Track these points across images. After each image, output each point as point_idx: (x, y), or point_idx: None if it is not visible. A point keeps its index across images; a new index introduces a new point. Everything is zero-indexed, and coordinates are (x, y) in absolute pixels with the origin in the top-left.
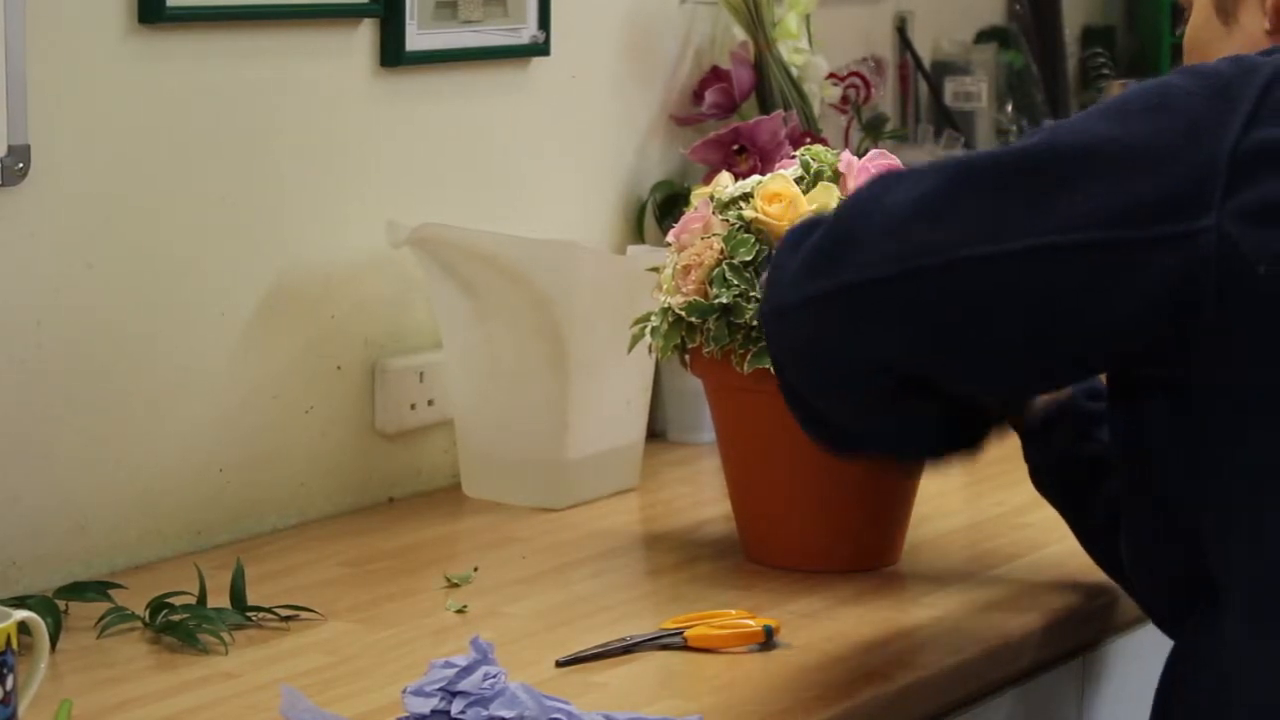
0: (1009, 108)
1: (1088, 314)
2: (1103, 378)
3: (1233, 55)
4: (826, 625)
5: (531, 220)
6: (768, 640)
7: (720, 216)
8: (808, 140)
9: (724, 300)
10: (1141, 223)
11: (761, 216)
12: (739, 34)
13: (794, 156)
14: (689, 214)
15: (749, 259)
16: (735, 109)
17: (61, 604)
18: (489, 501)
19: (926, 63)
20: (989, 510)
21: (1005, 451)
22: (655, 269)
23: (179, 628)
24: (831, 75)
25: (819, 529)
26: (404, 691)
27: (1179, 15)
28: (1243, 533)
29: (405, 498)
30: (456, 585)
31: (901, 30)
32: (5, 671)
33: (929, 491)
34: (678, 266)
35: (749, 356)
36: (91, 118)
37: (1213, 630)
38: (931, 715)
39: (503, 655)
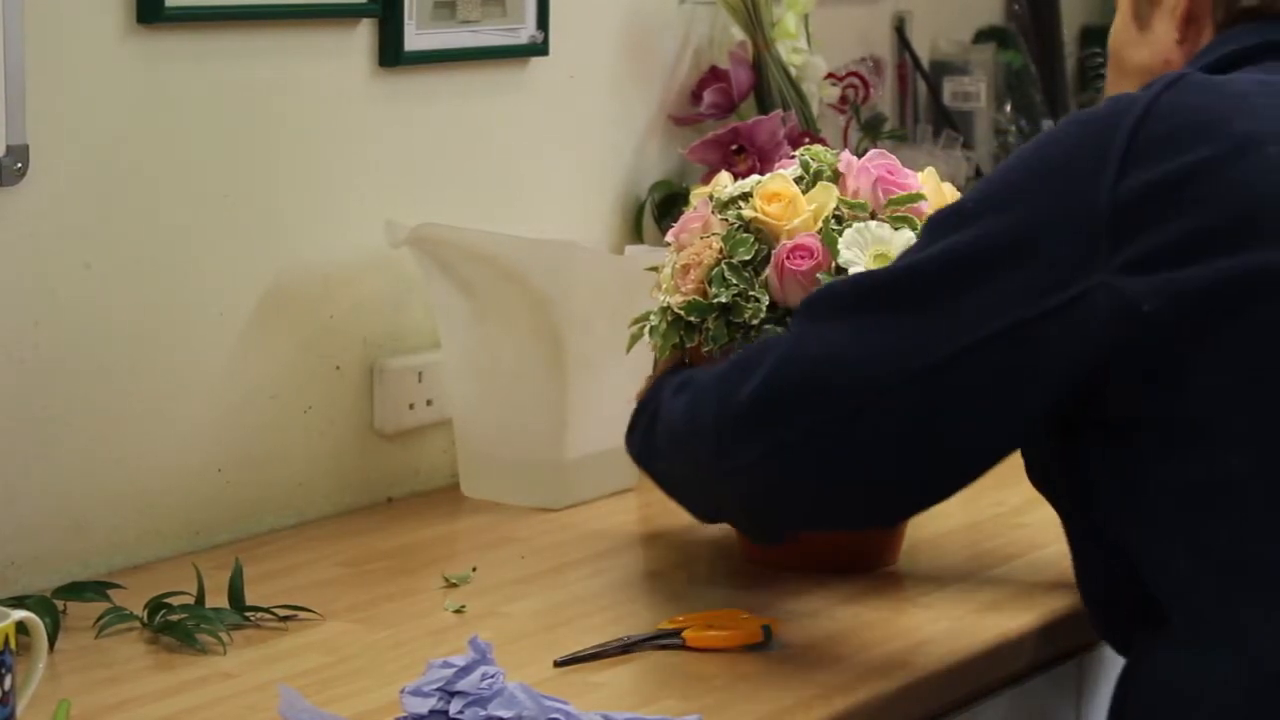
0: (1007, 107)
1: (1023, 392)
2: None
3: (1115, 95)
4: (825, 625)
5: (530, 220)
6: (766, 640)
7: (719, 216)
8: (806, 140)
9: (723, 300)
10: (1039, 298)
11: (761, 216)
12: (737, 34)
13: (793, 156)
14: (688, 213)
15: (748, 258)
16: (734, 109)
17: (60, 604)
18: (487, 501)
19: (925, 63)
20: (987, 510)
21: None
22: (654, 269)
23: (177, 628)
24: (830, 75)
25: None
26: (402, 691)
27: None
28: (1177, 554)
29: (404, 498)
30: (455, 585)
31: (900, 30)
32: (3, 671)
33: None
34: (677, 266)
35: None
36: (90, 118)
37: (1157, 649)
38: (929, 715)
39: (501, 655)
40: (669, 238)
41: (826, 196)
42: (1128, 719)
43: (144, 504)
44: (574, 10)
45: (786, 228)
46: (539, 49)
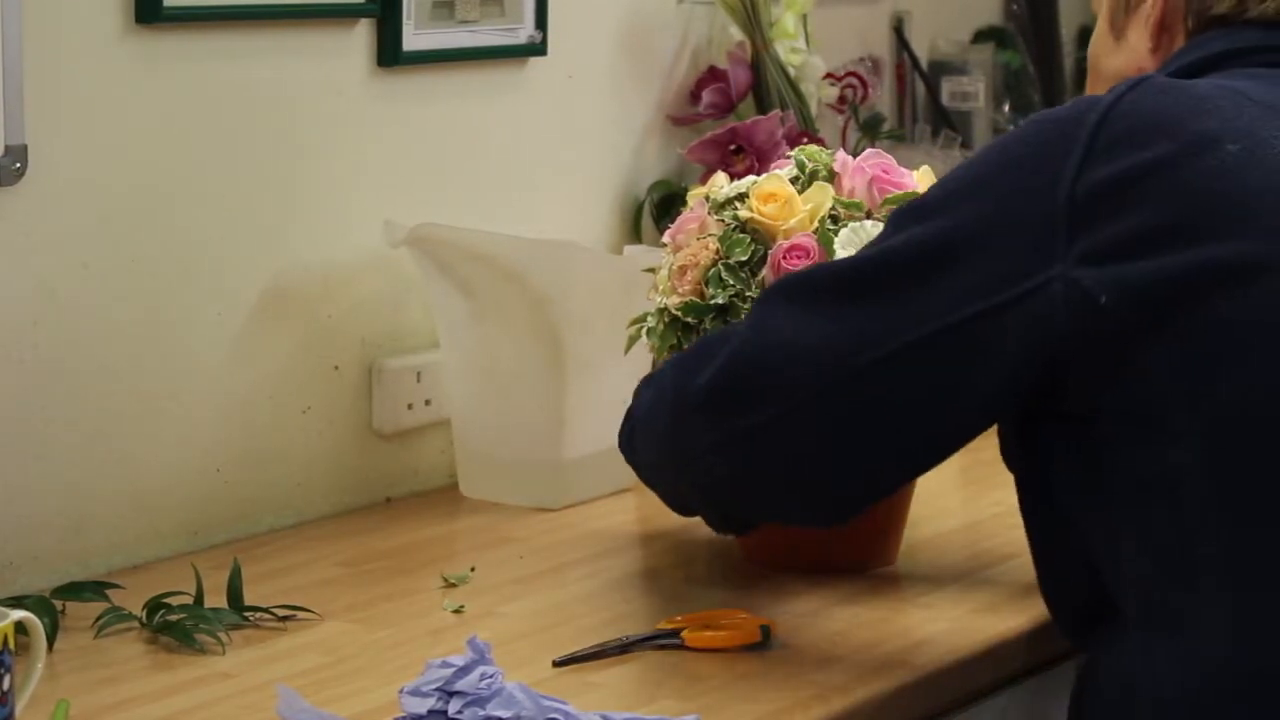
0: (1006, 107)
1: (979, 383)
2: None
3: (1078, 97)
4: (823, 625)
5: (529, 220)
6: (764, 640)
7: (716, 217)
8: (805, 140)
9: (720, 300)
10: (999, 289)
11: (757, 216)
12: (736, 34)
13: (789, 156)
14: (685, 214)
15: (745, 259)
16: (732, 109)
17: (58, 604)
18: (486, 501)
19: (924, 62)
20: (986, 510)
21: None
22: (651, 270)
23: (176, 628)
24: (829, 75)
25: (816, 529)
26: (401, 691)
27: None
28: (1129, 546)
29: (402, 498)
30: (453, 585)
31: (899, 30)
32: (2, 671)
33: (926, 492)
34: (673, 267)
35: None
36: (88, 118)
37: (1114, 640)
38: (927, 715)
39: (500, 655)
40: (666, 239)
41: (822, 196)
42: (1085, 711)
43: (143, 504)
44: (572, 10)
45: (783, 228)
46: (537, 49)
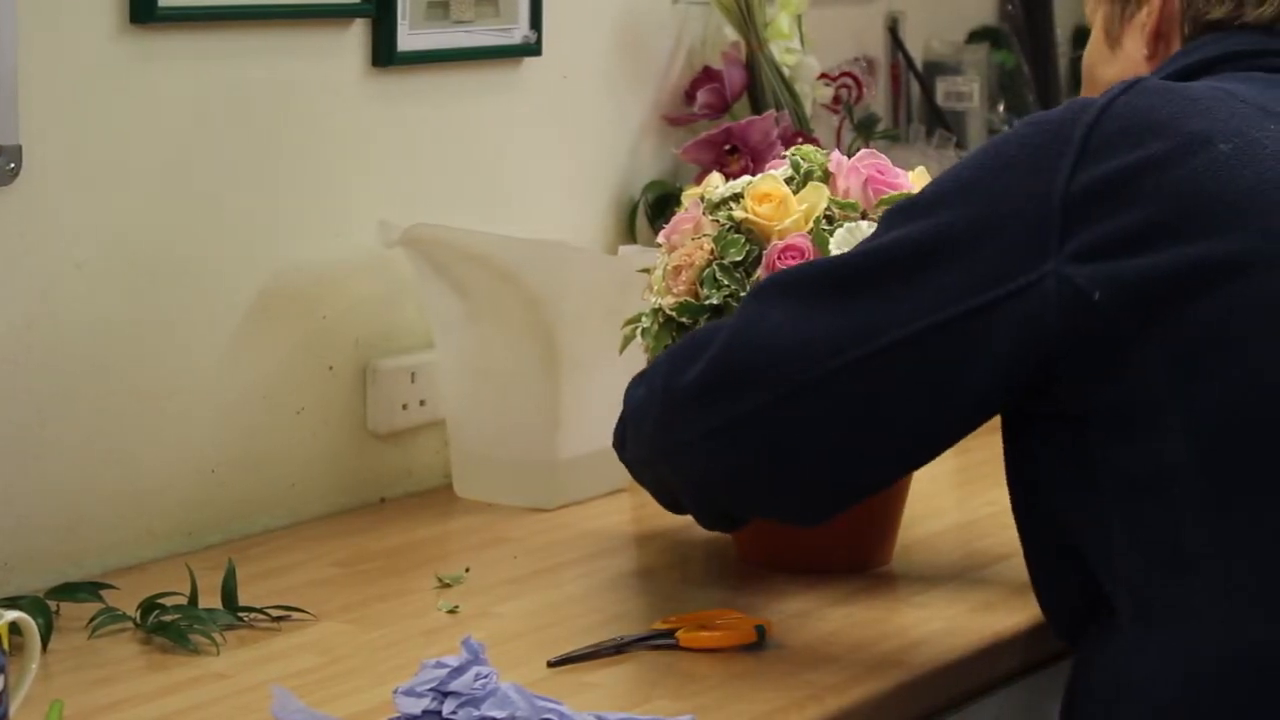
0: (1001, 108)
1: (970, 381)
2: None
3: (1071, 99)
4: (818, 625)
5: (523, 220)
6: (760, 640)
7: (710, 217)
8: (799, 140)
9: (714, 301)
10: (992, 285)
11: (752, 217)
12: (731, 34)
13: (784, 156)
14: (680, 215)
15: (739, 259)
16: (727, 109)
17: (53, 604)
18: (480, 502)
19: (918, 63)
20: (981, 510)
21: (997, 452)
22: (646, 270)
23: (170, 628)
24: (823, 75)
25: (811, 529)
26: (395, 692)
27: None
28: (1122, 540)
29: (397, 498)
30: (448, 585)
31: (893, 30)
32: None
33: (921, 491)
34: (668, 267)
35: None
36: (83, 118)
37: (1107, 638)
38: (923, 715)
39: (494, 655)
40: (660, 239)
41: (817, 197)
42: (1077, 709)
43: (137, 504)
44: (567, 10)
45: (777, 228)
46: (532, 49)
